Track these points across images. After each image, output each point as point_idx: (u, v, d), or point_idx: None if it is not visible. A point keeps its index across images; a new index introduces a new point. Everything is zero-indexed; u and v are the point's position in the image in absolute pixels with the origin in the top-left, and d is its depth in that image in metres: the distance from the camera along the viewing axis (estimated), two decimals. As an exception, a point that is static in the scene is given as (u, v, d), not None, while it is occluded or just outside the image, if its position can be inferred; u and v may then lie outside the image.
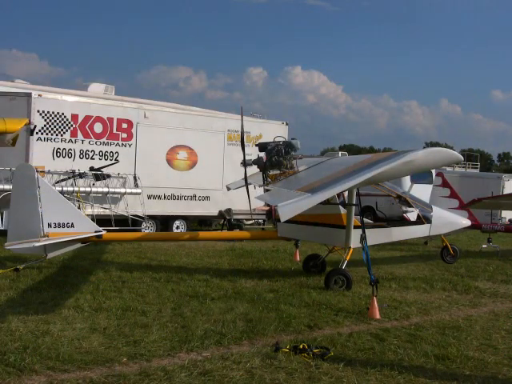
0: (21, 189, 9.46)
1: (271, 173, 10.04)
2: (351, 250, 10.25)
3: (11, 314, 7.40)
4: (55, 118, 15.37)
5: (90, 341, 6.47)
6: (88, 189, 15.44)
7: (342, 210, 10.46)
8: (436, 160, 7.90)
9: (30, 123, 14.64)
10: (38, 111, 15.08)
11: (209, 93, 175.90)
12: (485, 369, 6.10)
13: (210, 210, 18.08)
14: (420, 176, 19.00)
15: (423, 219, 11.23)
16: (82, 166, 15.69)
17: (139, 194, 16.24)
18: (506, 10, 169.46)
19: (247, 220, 19.82)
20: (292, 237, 11.63)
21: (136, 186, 16.34)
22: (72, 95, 17.17)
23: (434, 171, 19.62)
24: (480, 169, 42.81)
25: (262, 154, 10.31)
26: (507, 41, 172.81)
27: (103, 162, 16.09)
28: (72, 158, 15.65)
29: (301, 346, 6.31)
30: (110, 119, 16.28)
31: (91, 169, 15.77)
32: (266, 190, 10.78)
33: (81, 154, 15.81)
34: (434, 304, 9.19)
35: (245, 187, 10.64)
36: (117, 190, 15.95)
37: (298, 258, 13.08)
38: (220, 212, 18.06)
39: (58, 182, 15.08)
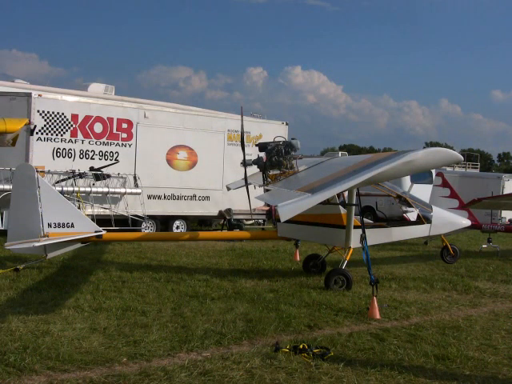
0: (21, 189, 9.47)
1: (271, 173, 10.04)
2: (351, 250, 10.26)
3: (11, 314, 7.40)
4: (55, 118, 15.36)
5: (90, 341, 6.47)
6: (88, 189, 15.44)
7: (342, 210, 10.46)
8: (436, 160, 7.90)
9: (30, 123, 14.64)
10: (38, 111, 15.08)
11: (209, 93, 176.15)
12: (485, 369, 6.10)
13: (209, 210, 18.08)
14: (420, 176, 19.04)
15: (423, 219, 11.23)
16: (82, 166, 15.69)
17: (139, 194, 16.23)
18: (506, 9, 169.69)
19: (247, 220, 19.83)
20: (292, 237, 11.63)
21: (136, 186, 16.33)
22: (72, 95, 17.21)
23: (433, 171, 19.63)
24: (480, 169, 42.86)
25: (262, 154, 10.32)
26: (507, 41, 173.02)
27: (103, 162, 16.09)
28: (72, 158, 15.65)
29: (301, 346, 6.30)
30: (110, 119, 16.28)
31: (91, 169, 15.77)
32: (266, 190, 10.79)
33: (81, 154, 15.81)
34: (433, 304, 9.19)
35: (245, 187, 10.64)
36: (117, 190, 15.95)
37: (298, 258, 13.08)
38: (220, 212, 18.08)
39: (58, 182, 15.09)
